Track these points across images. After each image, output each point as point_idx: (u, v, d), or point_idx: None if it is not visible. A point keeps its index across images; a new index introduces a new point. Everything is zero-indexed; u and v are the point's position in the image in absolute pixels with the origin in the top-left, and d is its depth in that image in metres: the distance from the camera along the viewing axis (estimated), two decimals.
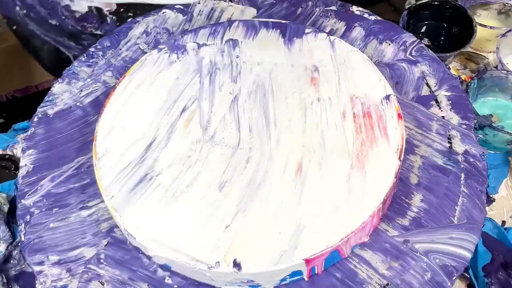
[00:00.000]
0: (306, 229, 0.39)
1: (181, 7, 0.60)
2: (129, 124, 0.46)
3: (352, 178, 0.42)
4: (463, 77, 0.65)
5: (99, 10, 0.68)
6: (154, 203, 0.41)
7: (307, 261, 0.38)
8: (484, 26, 0.65)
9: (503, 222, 0.55)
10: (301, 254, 0.38)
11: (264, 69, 0.50)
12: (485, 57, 0.68)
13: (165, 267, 0.41)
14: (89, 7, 0.67)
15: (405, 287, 0.40)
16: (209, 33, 0.53)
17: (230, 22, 0.54)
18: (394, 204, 0.44)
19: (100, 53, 0.57)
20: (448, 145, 0.48)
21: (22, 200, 0.46)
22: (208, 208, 0.41)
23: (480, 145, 0.48)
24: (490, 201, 0.56)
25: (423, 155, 0.47)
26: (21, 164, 0.49)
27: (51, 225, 0.44)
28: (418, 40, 0.56)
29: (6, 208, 0.54)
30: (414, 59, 0.54)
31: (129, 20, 0.62)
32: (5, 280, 0.50)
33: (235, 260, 0.38)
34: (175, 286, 0.41)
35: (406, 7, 0.68)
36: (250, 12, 0.60)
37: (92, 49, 0.57)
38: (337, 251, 0.39)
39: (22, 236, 0.44)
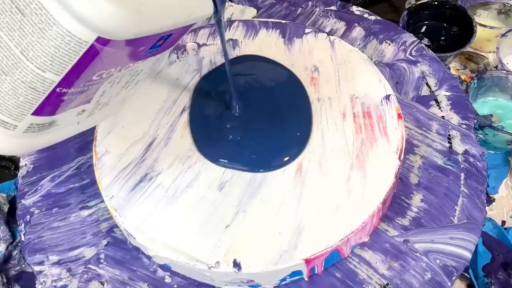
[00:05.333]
0: (306, 229, 0.39)
1: None
2: (129, 124, 0.46)
3: (352, 178, 0.42)
4: (463, 77, 0.65)
5: None
6: (154, 203, 0.41)
7: (307, 261, 0.38)
8: (484, 26, 0.65)
9: (503, 222, 0.55)
10: (301, 254, 0.38)
11: None
12: (485, 57, 0.68)
13: (165, 267, 0.41)
14: None
15: (405, 287, 0.40)
16: (209, 33, 0.53)
17: (230, 22, 0.54)
18: (394, 204, 0.44)
19: None
20: (448, 145, 0.48)
21: (22, 200, 0.46)
22: (208, 208, 0.41)
23: (480, 145, 0.48)
24: (490, 201, 0.56)
25: (423, 155, 0.47)
26: (21, 164, 0.49)
27: (52, 225, 0.44)
28: (418, 40, 0.56)
29: (6, 208, 0.54)
30: (414, 59, 0.54)
31: None
32: (5, 280, 0.50)
33: (235, 260, 0.38)
34: (175, 286, 0.41)
35: (406, 7, 0.68)
36: (250, 12, 0.60)
37: None
38: (337, 251, 0.39)
39: (22, 236, 0.44)
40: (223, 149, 0.44)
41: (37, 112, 0.26)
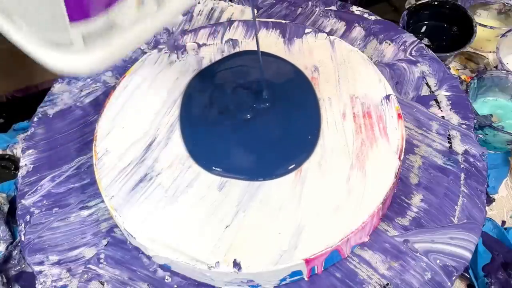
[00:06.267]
0: (306, 229, 0.39)
1: None
2: (129, 124, 0.46)
3: (352, 178, 0.42)
4: (463, 77, 0.65)
5: None
6: (154, 203, 0.41)
7: (307, 261, 0.38)
8: (484, 26, 0.65)
9: (503, 222, 0.55)
10: (301, 254, 0.38)
11: None
12: (485, 57, 0.68)
13: (165, 267, 0.41)
14: None
15: (405, 287, 0.40)
16: (209, 33, 0.53)
17: (230, 22, 0.54)
18: (394, 204, 0.44)
19: None
20: (448, 145, 0.48)
21: (22, 200, 0.46)
22: (208, 208, 0.41)
23: (480, 145, 0.48)
24: (490, 201, 0.56)
25: (423, 155, 0.47)
26: (21, 164, 0.49)
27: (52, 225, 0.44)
28: (418, 40, 0.56)
29: (6, 208, 0.54)
30: (414, 59, 0.54)
31: None
32: (5, 280, 0.49)
33: (235, 260, 0.38)
34: (175, 286, 0.41)
35: (406, 7, 0.68)
36: (250, 12, 0.59)
37: None
38: (337, 251, 0.39)
39: (22, 236, 0.44)
40: (219, 157, 0.43)
41: (73, 18, 0.24)
